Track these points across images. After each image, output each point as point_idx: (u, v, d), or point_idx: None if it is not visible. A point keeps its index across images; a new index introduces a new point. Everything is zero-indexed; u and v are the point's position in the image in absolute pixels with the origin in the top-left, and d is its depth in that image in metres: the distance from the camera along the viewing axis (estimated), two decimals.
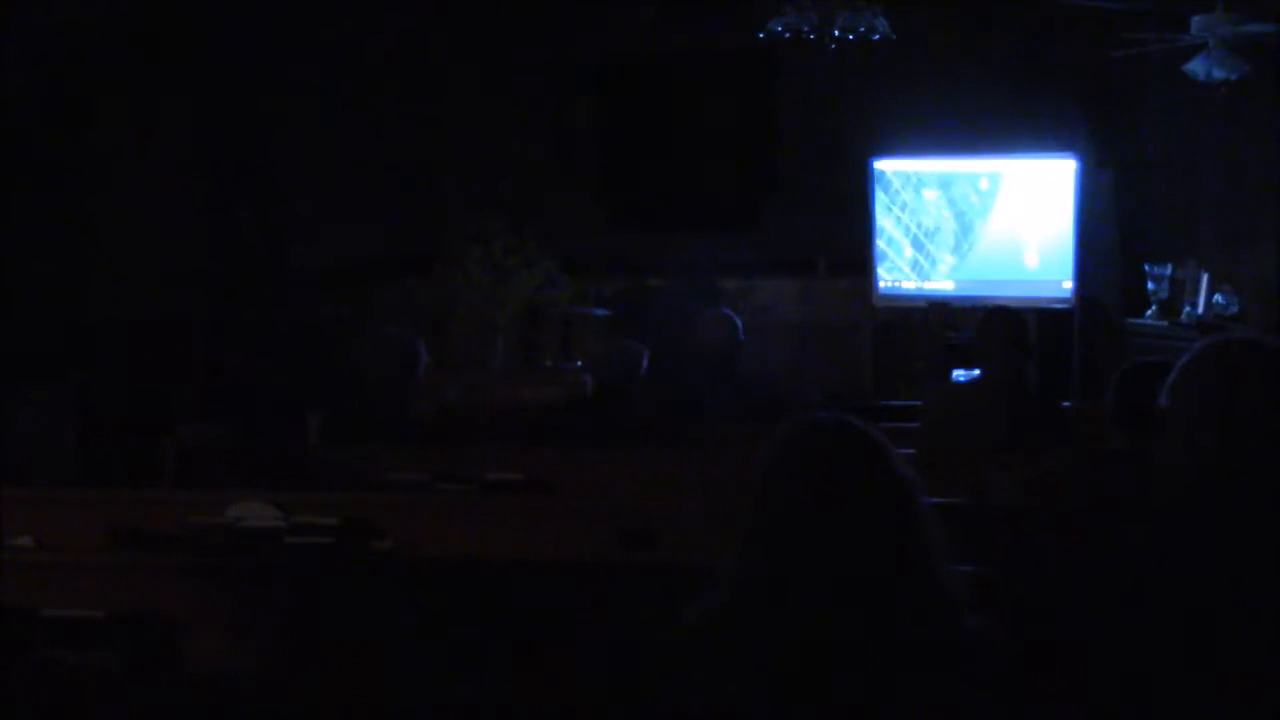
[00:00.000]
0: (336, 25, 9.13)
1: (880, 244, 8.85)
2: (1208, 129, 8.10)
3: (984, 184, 8.68)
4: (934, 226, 8.78)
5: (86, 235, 8.44)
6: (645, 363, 5.53)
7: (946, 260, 8.76)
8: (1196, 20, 6.89)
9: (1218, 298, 7.66)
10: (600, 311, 8.95)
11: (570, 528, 3.89)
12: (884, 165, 8.84)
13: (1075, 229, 8.44)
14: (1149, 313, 8.10)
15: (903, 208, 8.83)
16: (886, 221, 8.85)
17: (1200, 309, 7.72)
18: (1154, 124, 8.89)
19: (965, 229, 8.72)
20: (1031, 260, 8.60)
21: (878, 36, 7.08)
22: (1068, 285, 8.46)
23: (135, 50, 8.36)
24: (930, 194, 8.79)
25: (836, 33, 6.97)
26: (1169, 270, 8.07)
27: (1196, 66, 6.90)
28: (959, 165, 8.76)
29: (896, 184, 8.84)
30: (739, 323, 5.79)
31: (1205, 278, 7.77)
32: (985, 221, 8.69)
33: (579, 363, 7.99)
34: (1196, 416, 2.07)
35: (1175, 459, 2.10)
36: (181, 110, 8.89)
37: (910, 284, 8.83)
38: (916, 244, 8.82)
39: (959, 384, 7.22)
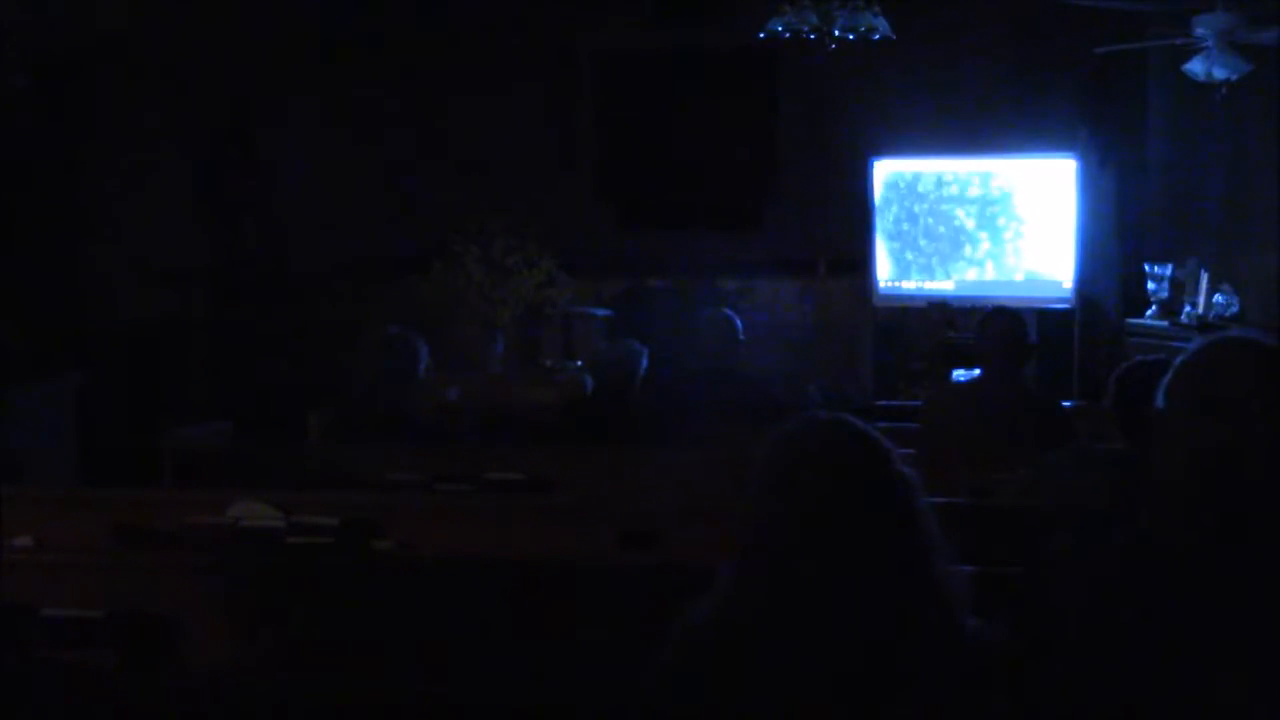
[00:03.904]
0: (335, 24, 9.13)
1: (880, 244, 8.85)
2: (1208, 129, 8.10)
3: (984, 184, 8.69)
4: (934, 226, 8.78)
5: (85, 235, 8.44)
6: (645, 363, 5.53)
7: (946, 260, 8.76)
8: (1196, 20, 6.89)
9: (1218, 298, 7.65)
10: (600, 311, 8.94)
11: (570, 528, 3.89)
12: (884, 165, 8.85)
13: (1076, 229, 8.45)
14: (1149, 313, 8.09)
15: (903, 208, 8.83)
16: (887, 221, 8.86)
17: (1200, 309, 7.72)
18: (1154, 124, 8.88)
19: (965, 229, 8.72)
20: (1031, 260, 8.61)
21: (878, 36, 7.07)
22: (1068, 285, 8.47)
23: (135, 51, 8.36)
24: (930, 194, 8.79)
25: (836, 32, 6.96)
26: (1169, 270, 8.06)
27: (1196, 66, 6.90)
28: (959, 165, 8.76)
29: (897, 184, 8.84)
30: (739, 323, 5.79)
31: (1205, 278, 7.77)
32: (985, 222, 8.69)
33: (579, 363, 7.98)
34: (1191, 417, 2.07)
35: (1171, 460, 2.10)
36: (181, 110, 8.89)
37: (910, 284, 8.83)
38: (916, 244, 8.83)
39: (959, 384, 7.22)
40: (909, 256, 8.83)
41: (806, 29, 7.01)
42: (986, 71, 9.14)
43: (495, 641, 3.28)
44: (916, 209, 8.81)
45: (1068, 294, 8.46)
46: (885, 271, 8.85)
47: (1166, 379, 2.14)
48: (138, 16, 8.10)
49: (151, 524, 3.95)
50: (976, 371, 5.85)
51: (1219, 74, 6.85)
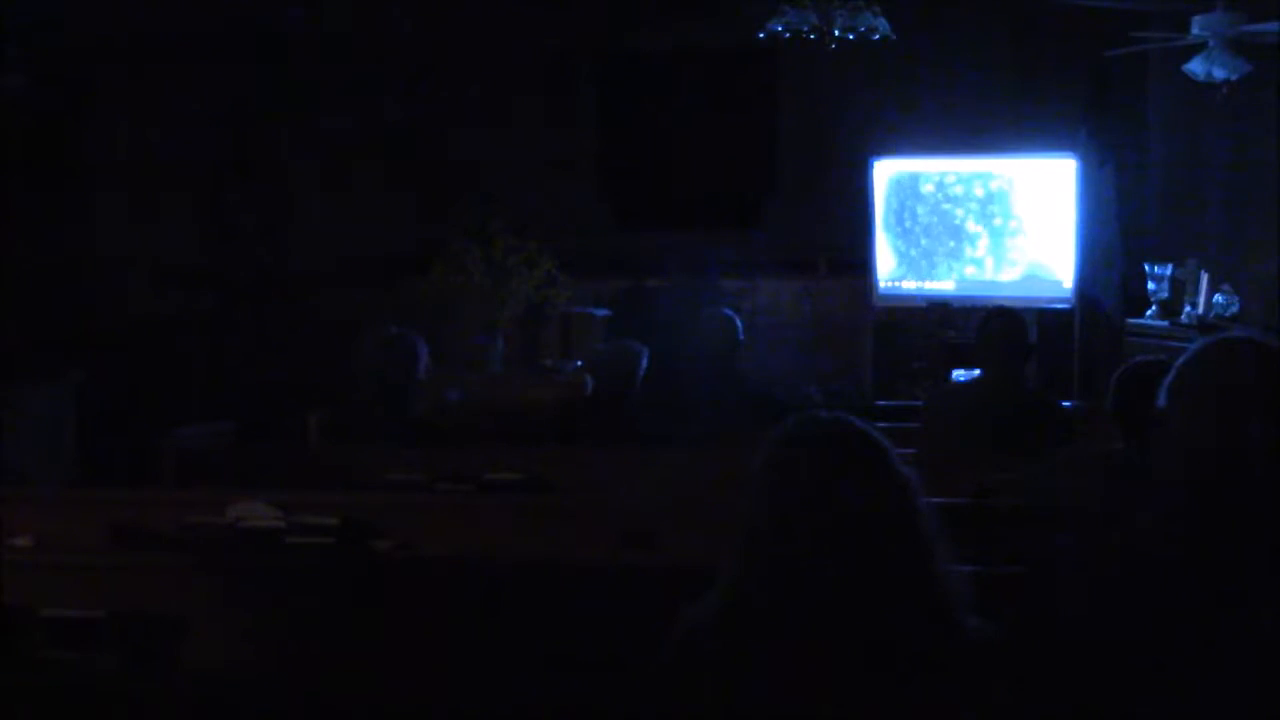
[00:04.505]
0: (336, 24, 9.13)
1: (882, 242, 8.85)
2: (1208, 128, 8.09)
3: (984, 184, 8.69)
4: (934, 226, 8.78)
5: (86, 235, 8.44)
6: (645, 362, 5.53)
7: (946, 260, 8.76)
8: (1197, 20, 6.88)
9: (1218, 298, 7.65)
10: (600, 311, 8.94)
11: (570, 528, 3.89)
12: (884, 165, 8.84)
13: (1076, 229, 8.45)
14: (1149, 313, 8.09)
15: (903, 207, 8.83)
16: (889, 220, 8.86)
17: (1200, 309, 7.71)
18: (1154, 123, 8.88)
19: (965, 229, 8.72)
20: (1031, 260, 8.60)
21: (878, 36, 7.08)
22: (1068, 285, 8.46)
23: (135, 50, 8.36)
24: (930, 194, 8.79)
25: (836, 33, 6.96)
26: (1169, 270, 8.06)
27: (1196, 66, 6.90)
28: (959, 165, 8.76)
29: (897, 184, 8.84)
30: (739, 323, 5.78)
31: (1205, 278, 7.76)
32: (985, 221, 8.69)
33: (579, 363, 7.98)
34: (1193, 417, 2.07)
35: (1173, 460, 2.09)
36: (181, 110, 8.89)
37: (910, 284, 8.83)
38: (916, 244, 8.82)
39: (959, 384, 7.22)
40: (913, 254, 8.82)
41: (806, 29, 7.01)
42: (986, 71, 9.14)
43: (495, 641, 3.28)
44: (918, 208, 8.81)
45: (1068, 294, 8.46)
46: (886, 270, 8.85)
47: (1167, 379, 2.14)
48: (138, 17, 8.11)
49: (151, 524, 3.95)
50: (976, 371, 5.84)
51: (1219, 74, 6.84)
